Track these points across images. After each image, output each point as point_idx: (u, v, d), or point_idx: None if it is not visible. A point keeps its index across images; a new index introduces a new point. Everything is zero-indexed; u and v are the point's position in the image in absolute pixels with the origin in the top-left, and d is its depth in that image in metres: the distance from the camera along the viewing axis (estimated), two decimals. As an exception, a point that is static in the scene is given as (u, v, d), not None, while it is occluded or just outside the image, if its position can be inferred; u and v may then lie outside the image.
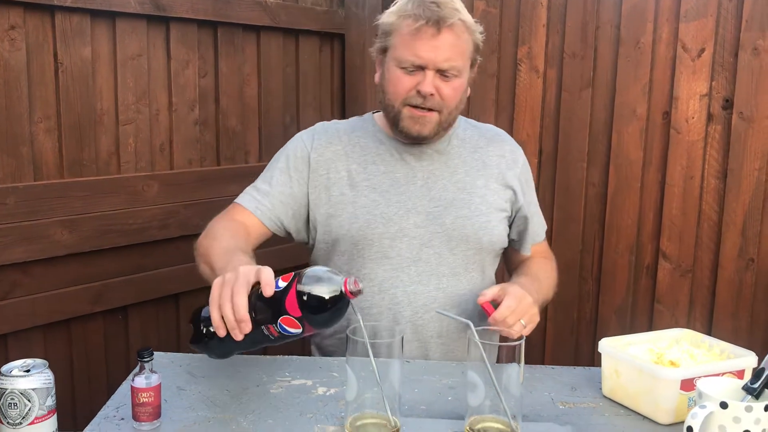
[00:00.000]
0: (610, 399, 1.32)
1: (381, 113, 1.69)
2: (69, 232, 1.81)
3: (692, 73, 2.29)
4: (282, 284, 1.11)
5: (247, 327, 1.10)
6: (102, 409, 1.23)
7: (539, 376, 1.43)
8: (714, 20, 2.25)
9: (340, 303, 1.10)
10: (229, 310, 1.10)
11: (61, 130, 1.80)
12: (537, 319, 1.45)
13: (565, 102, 2.43)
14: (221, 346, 1.19)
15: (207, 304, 1.14)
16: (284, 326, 1.11)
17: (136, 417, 1.17)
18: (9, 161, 1.71)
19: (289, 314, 1.09)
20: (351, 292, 1.10)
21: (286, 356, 1.48)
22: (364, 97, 2.51)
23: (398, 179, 1.59)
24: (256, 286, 1.13)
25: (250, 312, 1.10)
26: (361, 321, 1.11)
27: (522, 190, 1.68)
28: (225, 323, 1.11)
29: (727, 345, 1.33)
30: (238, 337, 1.11)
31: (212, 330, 1.13)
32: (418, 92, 1.50)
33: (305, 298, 1.09)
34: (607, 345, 1.34)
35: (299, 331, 1.11)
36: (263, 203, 1.58)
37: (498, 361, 1.13)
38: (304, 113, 2.39)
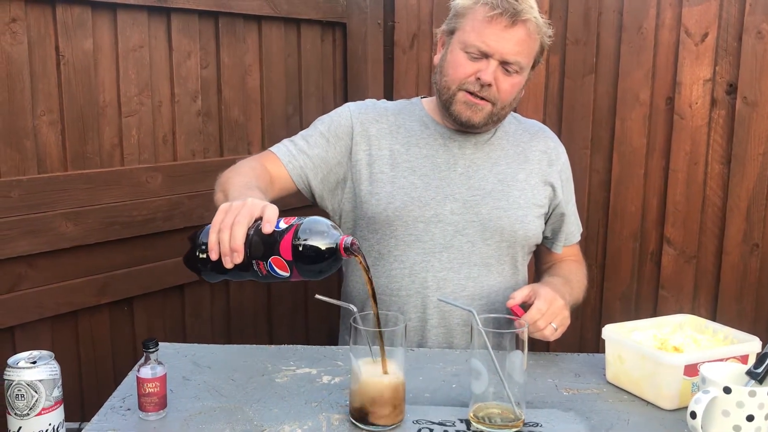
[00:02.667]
0: (613, 385, 1.33)
1: (429, 98, 1.69)
2: (73, 225, 1.81)
3: (695, 57, 2.27)
4: (282, 225, 1.12)
5: (239, 258, 1.11)
6: (108, 400, 1.25)
7: (543, 363, 1.43)
8: (717, 4, 2.24)
9: (332, 257, 1.11)
10: (226, 237, 1.11)
11: (64, 122, 1.80)
12: (568, 322, 1.42)
13: (568, 89, 2.42)
14: (210, 269, 1.18)
15: (209, 224, 1.15)
16: (274, 266, 1.12)
17: (142, 407, 1.18)
18: (12, 154, 1.71)
19: (281, 256, 1.10)
20: (345, 250, 1.11)
21: (291, 345, 1.49)
22: (366, 86, 2.50)
23: (439, 164, 1.60)
24: (259, 220, 1.14)
25: (245, 245, 1.11)
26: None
27: (561, 188, 1.67)
28: (220, 248, 1.12)
29: (731, 330, 1.33)
30: (228, 264, 1.12)
31: (206, 251, 1.14)
32: (477, 79, 1.50)
33: (300, 245, 1.09)
34: (611, 331, 1.34)
35: (287, 275, 1.12)
36: (297, 158, 1.60)
37: (502, 349, 1.13)
38: (307, 103, 2.39)
